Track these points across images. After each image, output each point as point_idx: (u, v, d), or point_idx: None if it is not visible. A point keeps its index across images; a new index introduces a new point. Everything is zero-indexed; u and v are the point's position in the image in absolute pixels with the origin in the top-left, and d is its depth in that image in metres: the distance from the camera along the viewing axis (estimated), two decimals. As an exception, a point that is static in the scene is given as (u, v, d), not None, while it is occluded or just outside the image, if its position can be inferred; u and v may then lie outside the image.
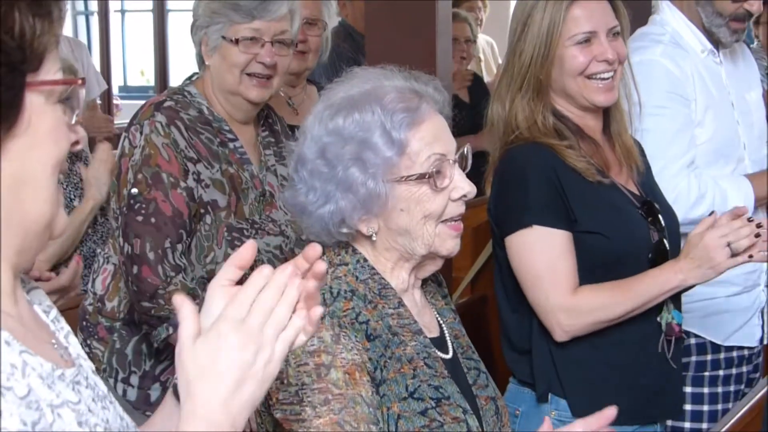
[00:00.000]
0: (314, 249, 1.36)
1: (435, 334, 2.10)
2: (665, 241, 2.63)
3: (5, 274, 1.27)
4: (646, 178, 2.76)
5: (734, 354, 3.14)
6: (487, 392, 2.14)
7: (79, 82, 1.39)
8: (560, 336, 2.51)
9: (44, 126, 1.25)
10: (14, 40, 1.19)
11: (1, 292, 1.26)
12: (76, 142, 1.29)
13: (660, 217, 2.65)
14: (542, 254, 2.57)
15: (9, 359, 1.19)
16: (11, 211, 1.23)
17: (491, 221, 2.70)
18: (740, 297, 3.09)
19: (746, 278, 3.07)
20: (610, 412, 1.69)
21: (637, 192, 2.67)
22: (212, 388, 1.28)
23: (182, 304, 1.29)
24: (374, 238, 2.05)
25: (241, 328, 1.27)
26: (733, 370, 3.15)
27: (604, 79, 2.61)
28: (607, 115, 2.70)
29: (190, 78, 3.15)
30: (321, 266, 1.35)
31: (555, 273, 2.56)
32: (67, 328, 1.43)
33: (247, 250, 1.35)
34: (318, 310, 1.34)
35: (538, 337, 2.60)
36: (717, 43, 3.25)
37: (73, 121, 1.32)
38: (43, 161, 1.25)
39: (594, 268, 2.56)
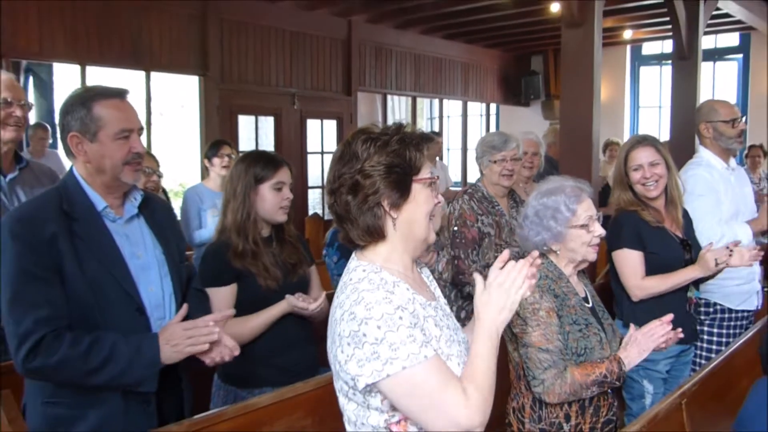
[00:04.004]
0: (535, 254, 1.56)
1: (583, 295, 2.29)
2: (693, 259, 2.83)
3: (408, 261, 1.58)
4: (689, 230, 2.96)
5: (742, 313, 3.29)
6: (608, 321, 2.32)
7: (437, 179, 1.57)
8: (635, 298, 2.80)
9: (421, 197, 1.53)
10: (406, 162, 1.50)
11: (406, 267, 1.57)
12: (438, 203, 1.57)
13: (691, 247, 2.88)
14: (627, 261, 2.82)
15: (407, 295, 1.48)
16: (408, 234, 1.54)
17: (607, 245, 2.90)
18: (744, 285, 3.26)
19: (747, 276, 3.23)
20: (668, 317, 2.16)
21: (680, 235, 2.88)
22: (489, 314, 1.48)
23: (477, 277, 1.52)
24: (558, 252, 2.28)
25: (501, 287, 1.48)
26: (741, 322, 3.29)
27: (650, 184, 2.84)
28: (667, 200, 2.90)
29: (479, 179, 3.50)
30: (538, 262, 1.54)
31: (634, 270, 2.80)
32: (435, 283, 1.72)
33: (506, 253, 1.53)
34: (534, 280, 1.52)
35: (627, 301, 2.85)
36: (729, 157, 3.38)
37: (435, 194, 1.55)
38: (421, 213, 1.53)
39: (654, 270, 2.80)
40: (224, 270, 2.45)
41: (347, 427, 1.55)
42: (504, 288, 1.46)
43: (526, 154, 4.06)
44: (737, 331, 3.27)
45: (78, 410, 1.86)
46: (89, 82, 6.52)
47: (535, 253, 1.55)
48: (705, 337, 3.26)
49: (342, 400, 1.53)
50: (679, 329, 2.20)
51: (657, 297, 2.76)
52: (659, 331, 2.14)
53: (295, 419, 2.10)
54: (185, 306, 1.98)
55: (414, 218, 1.52)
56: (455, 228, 3.29)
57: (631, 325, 2.21)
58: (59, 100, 7.86)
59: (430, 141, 1.58)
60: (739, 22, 8.78)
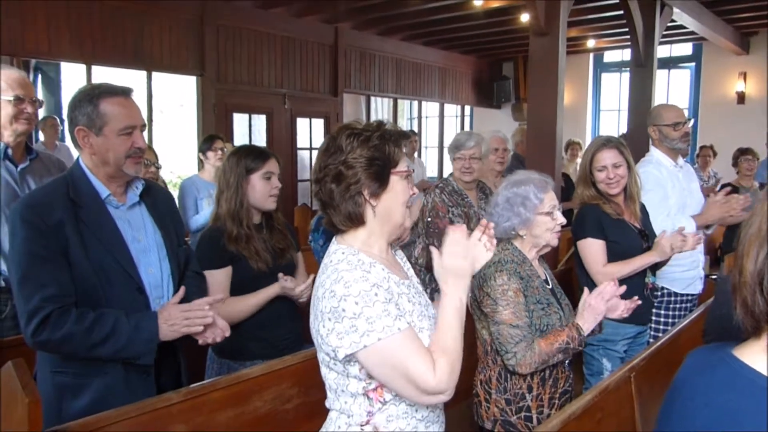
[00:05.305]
0: (483, 222, 1.58)
1: (544, 278, 2.30)
2: (650, 248, 2.83)
3: (384, 244, 1.57)
4: (645, 222, 2.97)
5: (686, 297, 3.34)
6: (565, 301, 2.34)
7: (412, 171, 1.58)
8: (598, 283, 2.47)
9: (398, 188, 1.53)
10: (385, 156, 1.50)
11: (381, 249, 1.56)
12: (414, 194, 1.57)
13: (648, 236, 2.89)
14: (591, 249, 2.81)
15: (383, 275, 1.48)
16: (385, 221, 1.54)
17: (573, 235, 2.94)
18: (689, 272, 3.30)
19: (691, 263, 3.28)
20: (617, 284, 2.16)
21: (638, 226, 2.89)
22: (449, 283, 1.48)
23: (433, 251, 1.53)
24: (524, 237, 2.28)
25: (453, 256, 1.47)
26: (685, 304, 3.33)
27: (612, 183, 2.84)
28: (627, 195, 2.90)
29: (450, 174, 3.57)
30: (491, 232, 1.55)
31: (597, 258, 2.79)
32: (408, 264, 1.70)
33: (461, 227, 1.54)
34: (494, 241, 1.55)
35: (592, 285, 2.61)
36: (677, 156, 3.40)
37: (411, 185, 1.53)
38: (398, 202, 1.53)
39: (614, 257, 2.80)
40: (219, 254, 2.46)
41: (329, 394, 1.57)
42: (456, 255, 1.46)
43: (497, 150, 4.07)
44: (682, 312, 3.31)
45: (83, 379, 1.87)
46: (94, 81, 6.46)
47: (484, 221, 1.56)
48: (653, 317, 3.27)
49: (324, 370, 1.54)
50: (636, 297, 2.21)
51: (618, 281, 2.69)
52: (608, 291, 2.15)
53: (282, 388, 2.11)
54: (182, 288, 2.00)
55: (391, 206, 1.52)
56: (429, 219, 3.31)
57: (585, 290, 2.21)
58: (66, 96, 7.86)
59: (407, 138, 1.57)
60: (692, 33, 8.82)
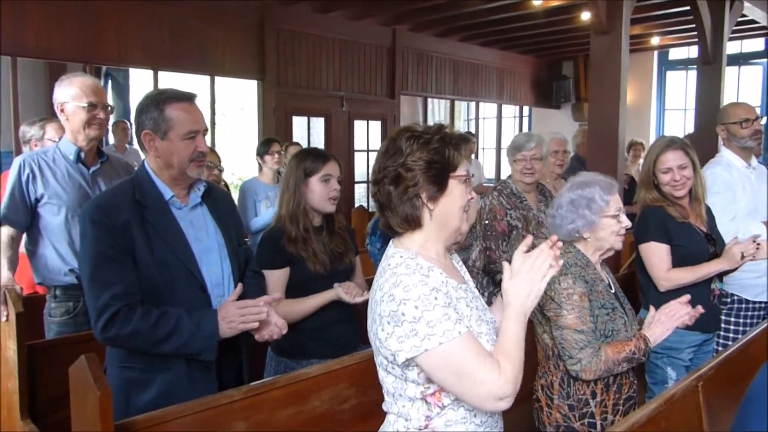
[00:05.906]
0: (554, 239, 1.51)
1: (606, 282, 2.24)
2: (717, 252, 2.77)
3: (441, 248, 1.57)
4: (711, 225, 2.86)
5: (758, 305, 3.23)
6: (628, 306, 2.28)
7: (471, 176, 1.55)
8: (662, 289, 2.70)
9: (456, 192, 1.52)
10: (444, 159, 1.49)
11: (439, 253, 1.56)
12: (472, 198, 1.55)
13: (715, 240, 2.80)
14: (654, 253, 2.73)
15: (441, 278, 1.47)
16: (443, 225, 1.53)
17: (635, 238, 2.85)
18: (761, 278, 3.16)
19: (764, 269, 3.09)
20: (686, 297, 2.16)
21: (704, 229, 2.80)
22: (517, 300, 1.46)
23: (506, 265, 1.50)
24: (588, 240, 2.23)
25: (527, 275, 1.46)
26: (757, 312, 3.22)
27: (678, 185, 2.76)
28: (692, 197, 2.81)
29: (509, 176, 3.49)
30: (559, 244, 1.50)
31: (660, 263, 2.72)
32: (464, 268, 1.69)
33: (529, 239, 1.51)
34: (560, 261, 1.50)
35: (654, 291, 2.75)
36: (750, 156, 3.29)
37: (469, 189, 1.52)
38: (456, 206, 1.52)
39: (680, 262, 2.72)
40: (278, 254, 2.50)
41: (386, 397, 1.56)
42: (530, 276, 1.44)
43: (557, 152, 4.01)
44: (753, 321, 3.19)
45: (148, 374, 1.93)
46: (161, 85, 6.74)
47: (554, 237, 1.52)
48: (722, 325, 3.15)
49: (381, 374, 1.54)
50: (699, 306, 2.17)
51: (683, 288, 2.64)
52: (680, 311, 2.13)
53: (340, 389, 2.13)
54: (240, 286, 2.03)
55: (449, 210, 1.51)
56: (486, 222, 3.26)
57: (651, 308, 2.19)
58: (134, 101, 8.19)
59: (467, 141, 1.58)
60: (764, 27, 8.47)
